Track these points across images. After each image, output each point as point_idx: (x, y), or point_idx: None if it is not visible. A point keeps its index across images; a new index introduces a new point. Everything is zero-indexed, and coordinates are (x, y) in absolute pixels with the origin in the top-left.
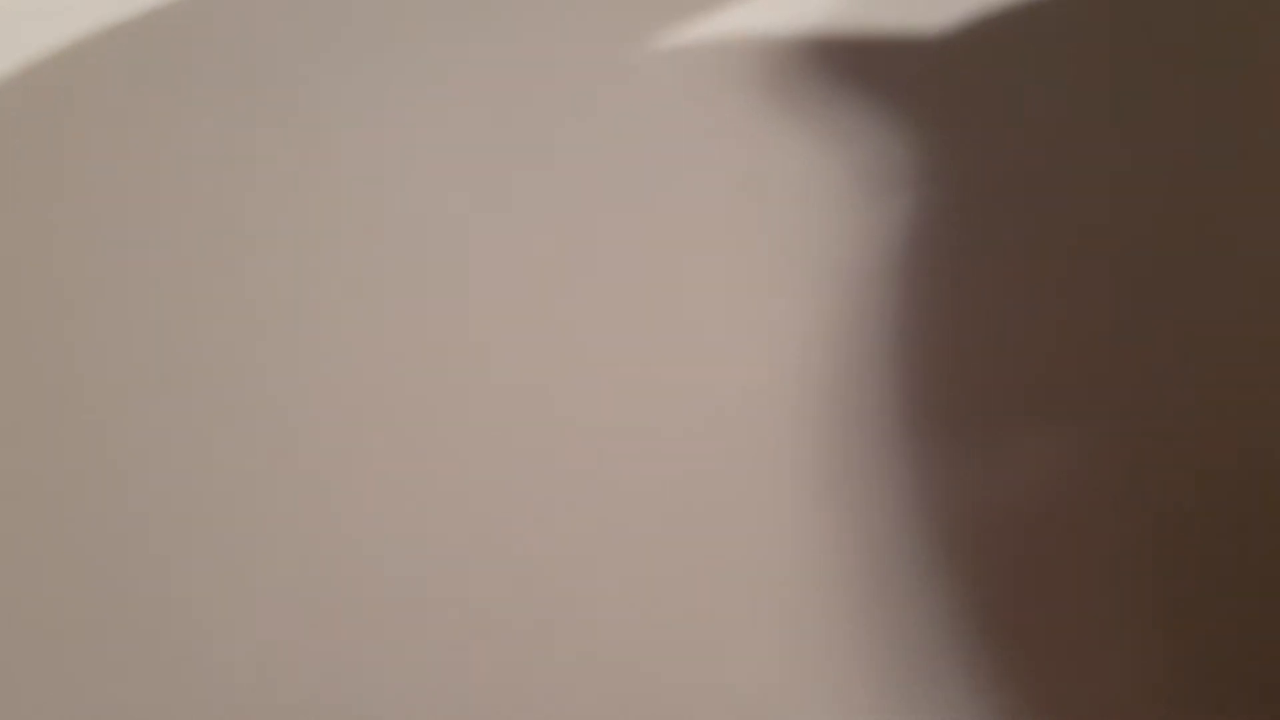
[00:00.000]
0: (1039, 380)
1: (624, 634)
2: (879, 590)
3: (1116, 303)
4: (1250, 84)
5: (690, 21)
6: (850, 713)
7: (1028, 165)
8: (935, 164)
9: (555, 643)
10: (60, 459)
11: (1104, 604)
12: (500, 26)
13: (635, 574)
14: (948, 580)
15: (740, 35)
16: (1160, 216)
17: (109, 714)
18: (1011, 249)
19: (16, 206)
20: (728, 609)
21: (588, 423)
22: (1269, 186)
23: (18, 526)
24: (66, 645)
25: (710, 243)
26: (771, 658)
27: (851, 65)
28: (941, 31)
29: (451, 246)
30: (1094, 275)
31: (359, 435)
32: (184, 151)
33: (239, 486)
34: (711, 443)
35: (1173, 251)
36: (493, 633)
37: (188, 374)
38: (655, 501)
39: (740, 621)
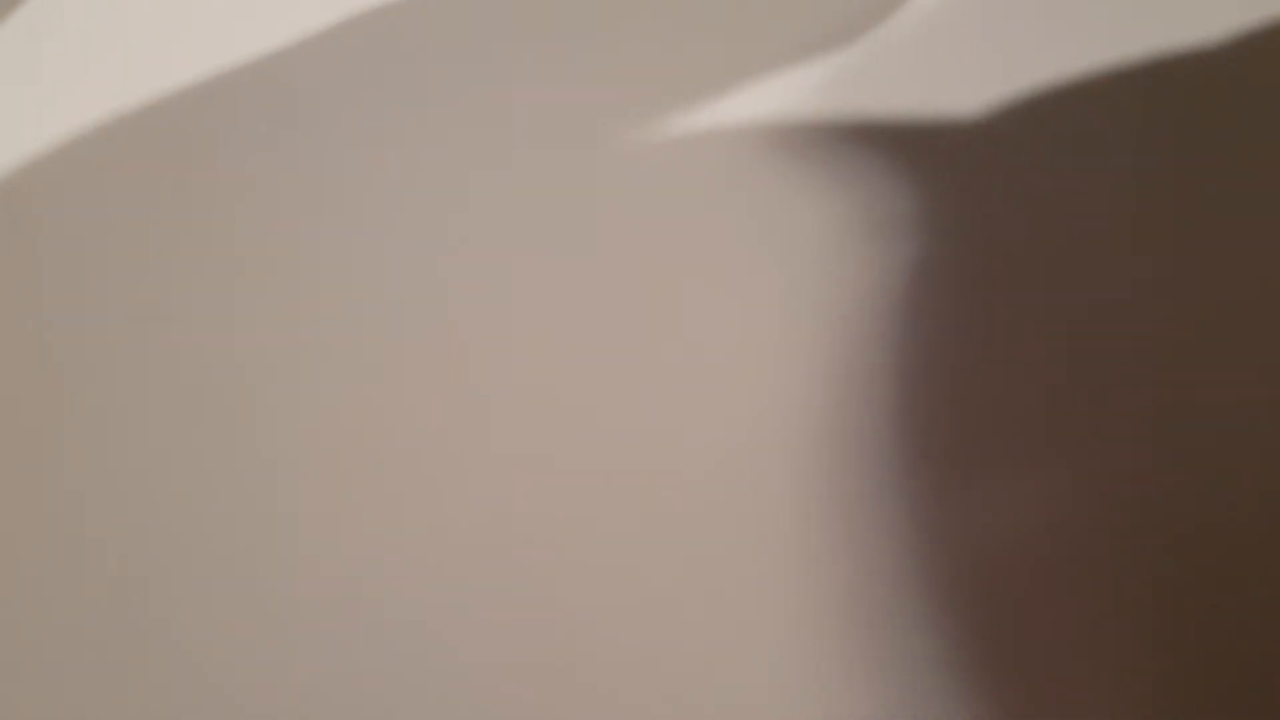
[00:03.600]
0: (1035, 421)
1: (620, 663)
2: (877, 625)
3: (1112, 344)
4: (1259, 168)
5: (705, 88)
6: None
7: (1024, 216)
8: (936, 214)
9: (550, 680)
10: (58, 476)
11: (1101, 638)
12: (526, 87)
13: (634, 603)
14: (945, 615)
15: (753, 96)
16: (1155, 263)
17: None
18: (1009, 294)
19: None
20: (725, 642)
21: (594, 457)
22: (1267, 252)
23: (15, 550)
24: (59, 652)
25: (716, 287)
26: (769, 690)
27: (858, 123)
28: (941, 99)
29: (461, 290)
30: (1089, 318)
31: (358, 483)
32: (195, 208)
33: (235, 507)
34: (715, 480)
35: (1169, 296)
36: (490, 665)
37: (189, 397)
38: (658, 534)
39: (737, 655)
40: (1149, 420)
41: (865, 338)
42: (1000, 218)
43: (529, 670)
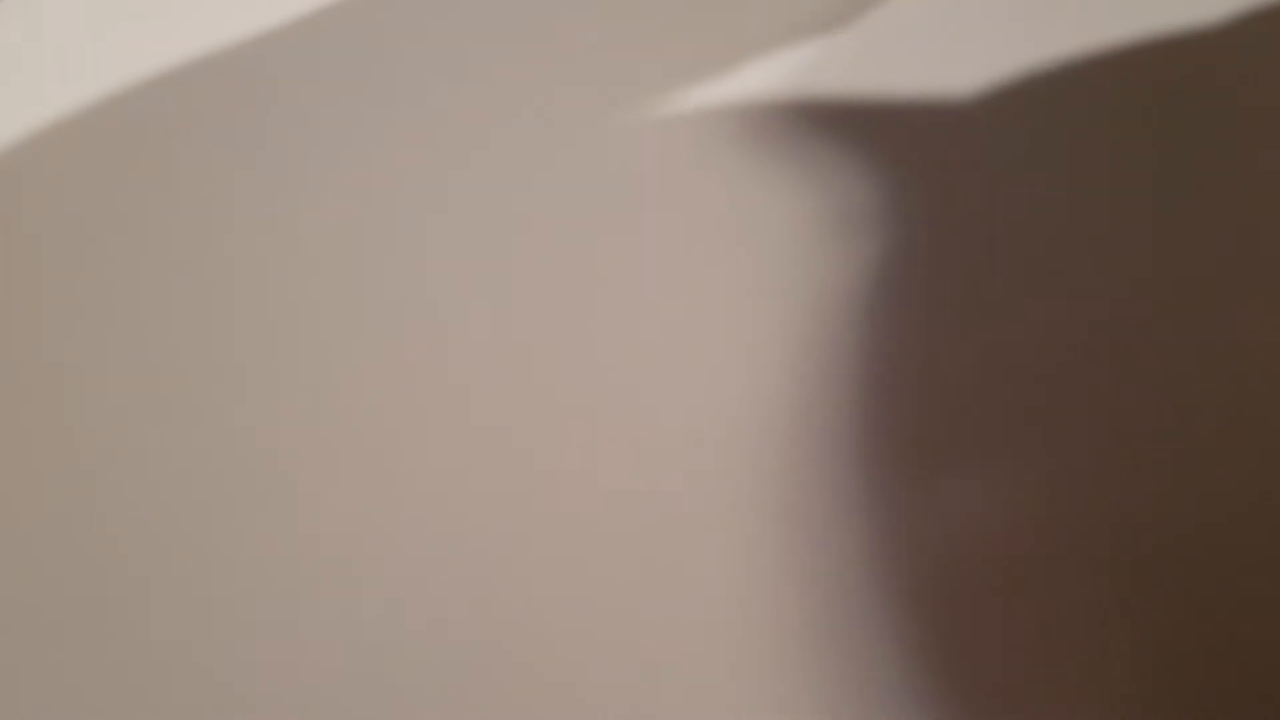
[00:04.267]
0: (1004, 416)
1: (586, 653)
2: (839, 622)
3: (1085, 340)
4: (1252, 159)
5: (677, 76)
6: None
7: (998, 207)
8: (907, 208)
9: (523, 671)
10: (49, 473)
11: (1068, 636)
12: (497, 85)
13: (600, 592)
14: (912, 610)
15: (726, 84)
16: (1125, 259)
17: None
18: (978, 290)
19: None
20: (689, 634)
21: (561, 447)
22: (1247, 253)
23: (10, 549)
24: (51, 649)
25: (686, 279)
26: (732, 683)
27: (832, 114)
28: (920, 88)
29: (437, 283)
30: (1057, 314)
31: (340, 477)
32: (179, 207)
33: (222, 501)
34: (682, 472)
35: (1137, 292)
36: (464, 662)
37: (177, 395)
38: (624, 524)
39: (701, 646)
40: (1121, 416)
41: (836, 330)
42: (975, 209)
43: (502, 661)
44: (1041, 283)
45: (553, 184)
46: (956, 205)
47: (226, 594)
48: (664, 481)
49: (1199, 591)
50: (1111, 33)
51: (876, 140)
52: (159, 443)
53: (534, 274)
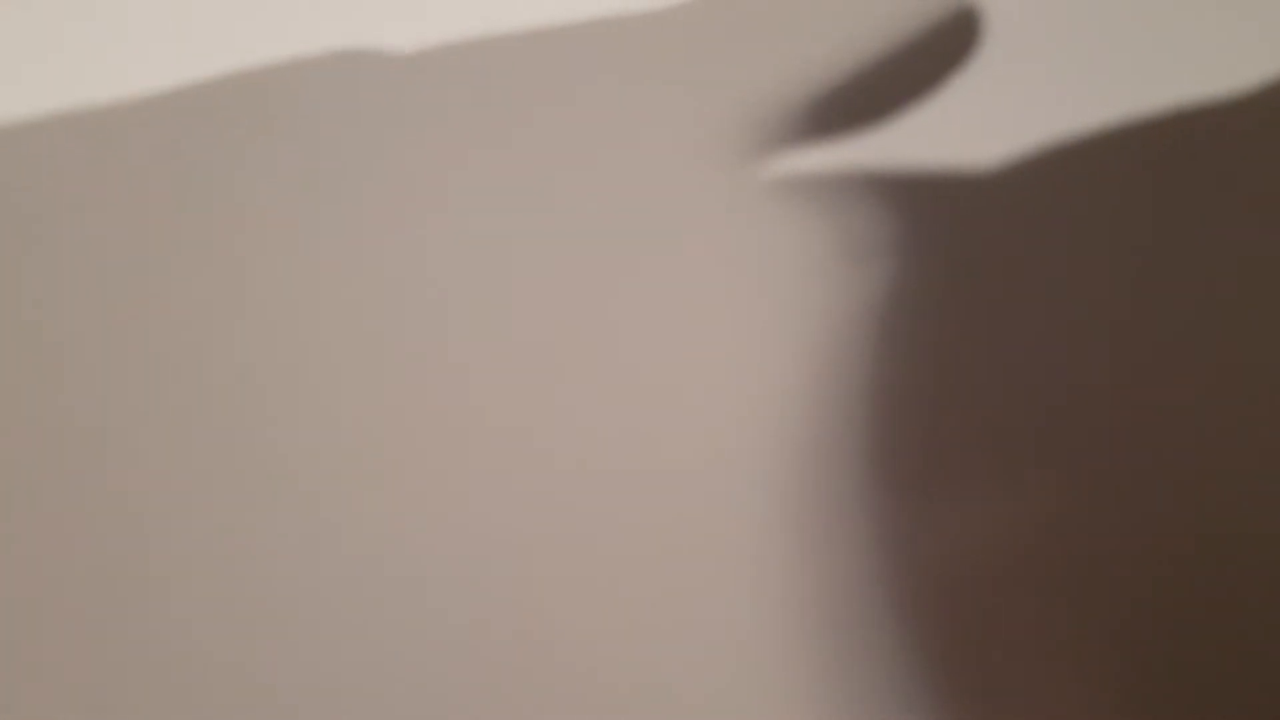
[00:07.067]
0: (1010, 440)
1: (592, 664)
2: (847, 639)
3: (1084, 366)
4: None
5: (699, 103)
6: None
7: (1005, 235)
8: (919, 233)
9: (526, 679)
10: (56, 478)
11: (1065, 662)
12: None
13: (607, 607)
14: (916, 629)
15: (749, 116)
16: (1136, 291)
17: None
18: (986, 316)
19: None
20: (697, 652)
21: (574, 469)
22: (1253, 288)
23: (16, 542)
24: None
25: (694, 302)
26: (737, 699)
27: (852, 153)
28: (945, 146)
29: (454, 303)
30: (1063, 339)
31: (351, 486)
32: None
33: (230, 508)
34: (689, 494)
35: (1147, 324)
36: (470, 665)
37: (186, 397)
38: (635, 542)
39: (707, 665)
40: (1127, 441)
41: (848, 353)
42: (990, 239)
43: (509, 665)
44: (1052, 312)
45: (571, 206)
46: (972, 236)
47: (232, 596)
48: (676, 499)
49: (1204, 607)
50: (1137, 102)
51: (897, 178)
52: (168, 445)
53: (551, 294)
